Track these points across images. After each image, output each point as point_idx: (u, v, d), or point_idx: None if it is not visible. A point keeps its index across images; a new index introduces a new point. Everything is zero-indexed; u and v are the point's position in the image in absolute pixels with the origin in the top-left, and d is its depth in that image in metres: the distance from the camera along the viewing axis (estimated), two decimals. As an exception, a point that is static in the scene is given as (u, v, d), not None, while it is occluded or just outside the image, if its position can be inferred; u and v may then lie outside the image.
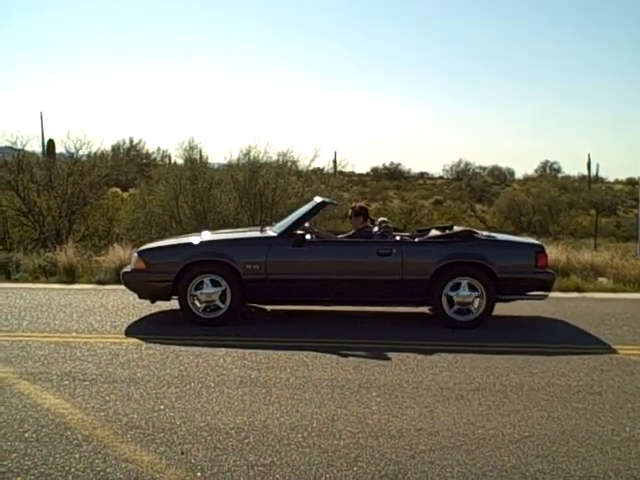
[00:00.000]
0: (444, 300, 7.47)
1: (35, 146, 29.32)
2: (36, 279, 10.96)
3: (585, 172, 50.10)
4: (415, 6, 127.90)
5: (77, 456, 3.93)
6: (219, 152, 42.83)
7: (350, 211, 8.23)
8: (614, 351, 6.60)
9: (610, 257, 11.96)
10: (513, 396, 5.16)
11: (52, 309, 8.26)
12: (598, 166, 57.75)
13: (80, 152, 19.63)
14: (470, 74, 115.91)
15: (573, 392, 5.28)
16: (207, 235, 8.17)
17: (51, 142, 27.17)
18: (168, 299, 7.74)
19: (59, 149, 23.15)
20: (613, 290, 10.39)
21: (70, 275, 10.87)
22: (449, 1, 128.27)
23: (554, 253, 11.62)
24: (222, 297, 7.46)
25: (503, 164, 69.69)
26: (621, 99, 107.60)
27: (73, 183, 18.67)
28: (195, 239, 7.84)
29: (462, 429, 4.46)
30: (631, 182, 50.50)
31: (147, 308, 8.20)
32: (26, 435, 4.23)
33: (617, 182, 58.92)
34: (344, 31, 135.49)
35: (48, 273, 11.19)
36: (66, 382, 5.32)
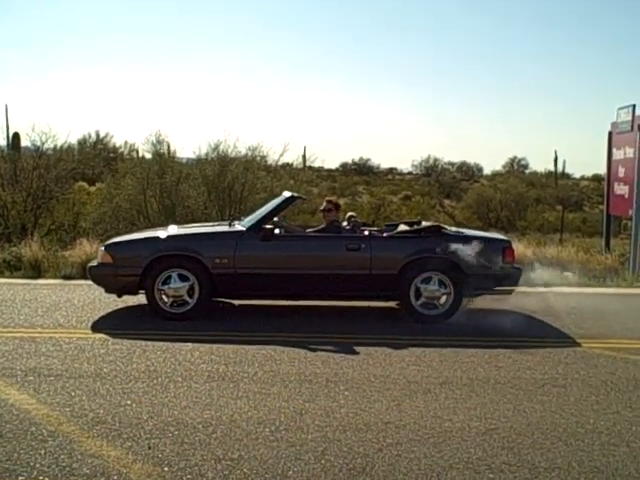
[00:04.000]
0: (412, 295, 7.52)
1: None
2: (0, 274, 10.79)
3: (552, 168, 50.76)
4: (385, 1, 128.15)
5: (42, 452, 3.89)
6: (188, 146, 42.54)
7: (327, 204, 8.17)
8: (578, 345, 6.70)
9: (575, 252, 12.12)
10: (479, 390, 5.21)
11: (16, 304, 8.15)
12: (565, 162, 58.46)
13: (45, 146, 19.33)
14: (439, 70, 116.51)
15: (538, 385, 5.35)
16: (175, 229, 8.12)
17: (16, 135, 26.74)
18: (135, 293, 7.70)
19: (24, 143, 22.83)
20: (578, 285, 10.52)
21: (35, 270, 10.71)
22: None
23: (521, 248, 11.74)
24: (190, 292, 7.42)
25: (471, 160, 69.93)
26: (588, 95, 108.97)
27: (38, 177, 18.38)
28: (163, 233, 7.78)
29: (429, 422, 4.49)
30: (597, 178, 51.19)
31: (114, 303, 8.11)
32: (-10, 431, 4.17)
33: (583, 178, 59.65)
34: (315, 27, 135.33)
35: (13, 268, 11.02)
36: (31, 378, 5.26)
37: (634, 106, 12.87)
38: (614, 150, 13.80)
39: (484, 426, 4.45)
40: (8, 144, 25.37)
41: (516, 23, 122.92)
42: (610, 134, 13.92)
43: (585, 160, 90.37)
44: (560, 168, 52.10)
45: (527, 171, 64.26)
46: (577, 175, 61.45)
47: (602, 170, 15.01)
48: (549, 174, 54.12)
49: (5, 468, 3.68)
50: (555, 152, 48.39)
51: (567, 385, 5.38)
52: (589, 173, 59.72)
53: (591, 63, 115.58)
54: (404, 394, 5.06)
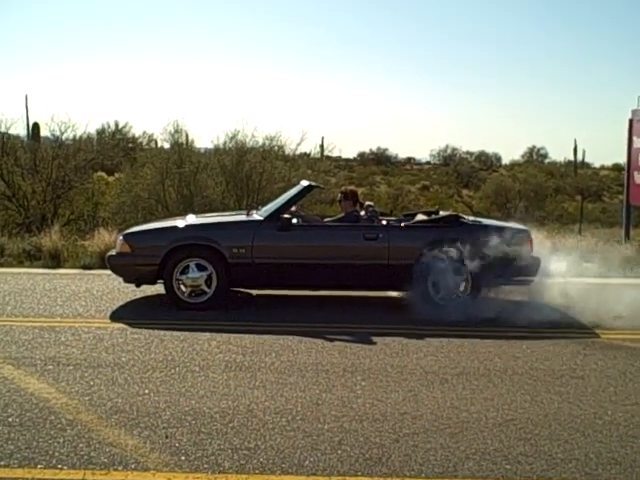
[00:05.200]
0: (430, 285, 7.49)
1: (20, 129, 29.09)
2: (20, 263, 10.88)
3: (571, 158, 50.25)
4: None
5: (61, 440, 3.92)
6: (206, 136, 42.60)
7: (340, 195, 8.20)
8: (597, 335, 6.66)
9: (595, 242, 12.01)
10: (497, 380, 5.19)
11: (36, 294, 8.22)
12: (584, 152, 57.65)
13: (65, 136, 19.51)
14: (458, 60, 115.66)
15: (556, 376, 5.32)
16: (193, 219, 8.14)
17: (36, 125, 26.95)
18: (154, 283, 7.73)
19: (44, 133, 22.98)
20: (598, 275, 10.41)
21: (55, 260, 10.79)
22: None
23: (540, 238, 11.64)
24: (208, 281, 7.44)
25: (490, 149, 69.31)
26: (608, 84, 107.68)
27: (58, 167, 18.53)
28: (181, 223, 7.81)
29: (446, 413, 4.49)
30: (617, 168, 50.65)
31: (132, 293, 8.17)
32: (10, 420, 4.22)
33: (603, 168, 59.04)
34: (333, 17, 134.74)
35: (33, 257, 11.11)
36: (50, 367, 5.30)
37: (655, 94, 12.71)
38: (634, 138, 13.63)
39: (501, 417, 4.44)
40: (28, 134, 25.61)
41: (533, 12, 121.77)
42: (631, 122, 13.75)
43: (605, 149, 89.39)
44: (580, 157, 51.56)
45: (546, 161, 63.58)
46: (597, 164, 60.82)
47: (622, 159, 14.86)
48: (568, 164, 53.56)
49: (24, 456, 3.71)
50: (575, 141, 47.86)
51: (585, 376, 5.35)
52: (609, 162, 59.09)
53: (611, 51, 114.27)
54: (421, 384, 5.05)
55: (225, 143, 18.50)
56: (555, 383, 5.15)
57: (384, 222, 7.98)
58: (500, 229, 8.00)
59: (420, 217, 8.24)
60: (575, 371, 5.47)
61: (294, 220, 7.73)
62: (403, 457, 3.80)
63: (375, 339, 6.29)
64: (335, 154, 30.80)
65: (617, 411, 4.60)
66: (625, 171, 14.42)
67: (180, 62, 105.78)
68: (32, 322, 6.77)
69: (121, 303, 7.75)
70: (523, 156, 66.43)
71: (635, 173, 13.60)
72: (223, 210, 14.37)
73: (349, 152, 68.93)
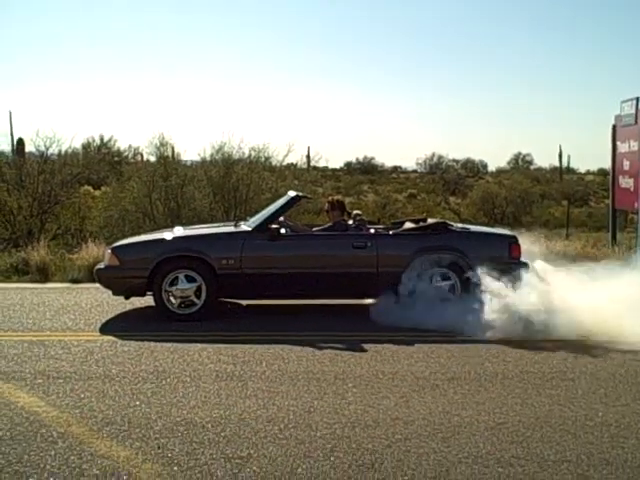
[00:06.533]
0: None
1: (4, 145, 28.96)
2: (8, 278, 10.83)
3: (557, 163, 50.51)
4: (385, 2, 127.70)
5: (52, 453, 3.91)
6: (193, 149, 42.59)
7: (327, 205, 8.22)
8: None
9: (582, 246, 12.08)
10: (488, 384, 5.21)
11: (25, 308, 8.18)
12: (569, 157, 58.02)
13: (50, 151, 19.41)
14: (443, 68, 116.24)
15: (547, 379, 5.35)
16: (181, 230, 8.14)
17: (20, 141, 26.80)
18: (143, 295, 7.71)
19: (29, 148, 22.88)
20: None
21: (43, 274, 10.75)
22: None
23: (527, 244, 11.69)
24: (197, 293, 7.44)
25: (476, 157, 69.37)
26: (592, 89, 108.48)
27: (44, 182, 18.44)
28: (169, 235, 7.80)
29: (438, 418, 4.50)
30: (602, 172, 50.95)
31: (122, 305, 8.14)
32: (0, 434, 4.19)
33: (588, 173, 59.38)
34: (317, 27, 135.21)
35: (20, 272, 11.07)
36: (40, 380, 5.28)
37: (637, 99, 12.79)
38: (618, 143, 13.74)
39: (493, 420, 4.45)
40: (13, 150, 25.48)
41: (517, 18, 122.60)
42: (614, 127, 13.86)
43: (590, 154, 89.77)
44: (565, 163, 51.74)
45: (532, 167, 63.91)
46: (582, 169, 61.15)
47: (607, 164, 14.96)
48: (554, 169, 53.82)
49: (16, 470, 3.70)
50: (560, 147, 48.00)
51: (575, 378, 5.37)
52: (594, 167, 59.43)
53: (595, 56, 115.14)
54: (412, 390, 5.06)
55: (212, 155, 18.49)
56: (546, 386, 5.17)
57: (372, 230, 8.01)
58: (487, 235, 8.05)
59: (408, 225, 8.28)
60: (565, 374, 5.49)
61: (282, 230, 7.75)
62: (396, 462, 3.81)
63: (366, 346, 6.30)
64: (322, 164, 30.90)
65: (608, 412, 4.62)
66: (610, 176, 14.52)
67: (165, 75, 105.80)
68: (21, 336, 6.74)
69: (110, 316, 7.72)
70: (509, 163, 66.70)
71: (620, 177, 13.70)
72: (211, 222, 14.35)
73: (336, 162, 68.69)
